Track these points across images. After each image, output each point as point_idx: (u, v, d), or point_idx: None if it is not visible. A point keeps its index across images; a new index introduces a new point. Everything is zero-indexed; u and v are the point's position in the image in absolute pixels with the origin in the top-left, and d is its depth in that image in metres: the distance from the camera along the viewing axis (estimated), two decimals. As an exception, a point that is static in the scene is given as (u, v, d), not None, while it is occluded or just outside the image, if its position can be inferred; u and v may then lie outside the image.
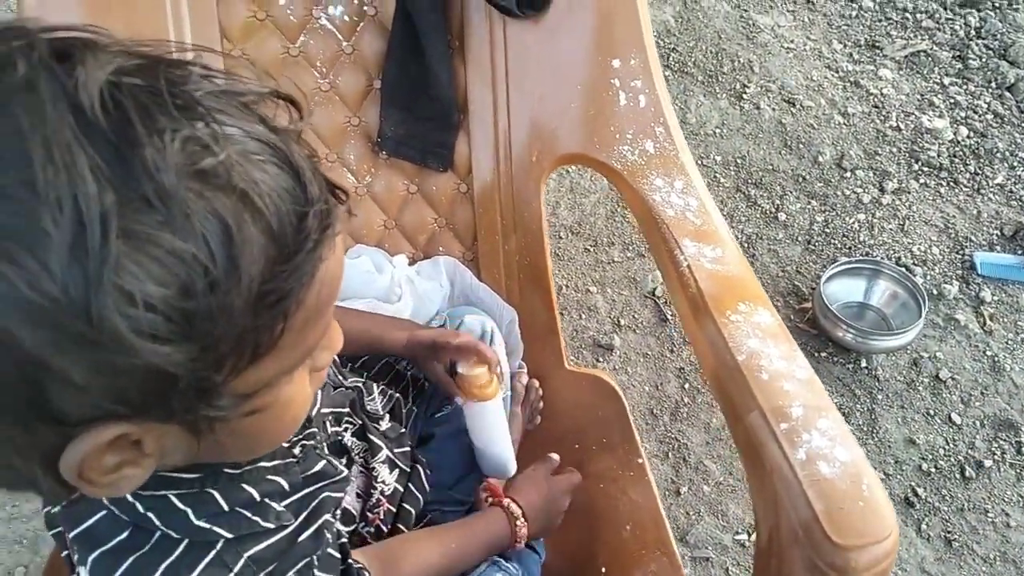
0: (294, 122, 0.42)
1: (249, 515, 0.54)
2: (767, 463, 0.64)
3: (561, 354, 1.02)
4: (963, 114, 1.95)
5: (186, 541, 0.52)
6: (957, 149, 1.89)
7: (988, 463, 1.42)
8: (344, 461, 0.70)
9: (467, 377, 0.77)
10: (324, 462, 0.63)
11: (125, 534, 0.52)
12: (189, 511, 0.51)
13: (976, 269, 1.68)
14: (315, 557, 0.61)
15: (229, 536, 0.53)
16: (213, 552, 0.53)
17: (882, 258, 1.69)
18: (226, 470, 0.53)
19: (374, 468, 0.75)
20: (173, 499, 0.51)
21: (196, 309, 0.35)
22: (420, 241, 1.04)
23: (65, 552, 0.68)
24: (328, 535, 0.64)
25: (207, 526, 0.52)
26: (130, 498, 0.51)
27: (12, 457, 0.39)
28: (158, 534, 0.52)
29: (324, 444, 0.67)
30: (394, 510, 0.79)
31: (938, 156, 1.88)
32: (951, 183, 1.84)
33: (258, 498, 0.55)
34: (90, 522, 0.53)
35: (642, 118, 0.93)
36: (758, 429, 0.66)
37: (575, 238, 1.79)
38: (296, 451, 0.61)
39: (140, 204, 0.34)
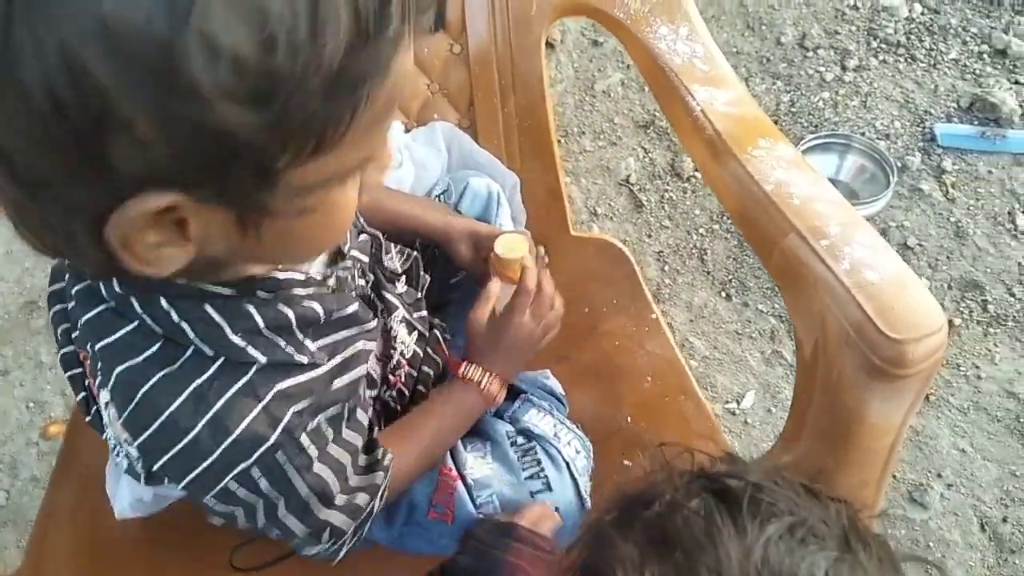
0: None
1: (283, 345, 0.52)
2: (810, 279, 0.64)
3: (566, 219, 1.00)
4: (917, -9, 1.97)
5: (219, 361, 0.50)
6: (912, 26, 1.91)
7: (957, 322, 1.48)
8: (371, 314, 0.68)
9: (503, 260, 0.76)
10: (357, 304, 0.60)
11: (156, 347, 0.49)
12: (225, 325, 0.49)
13: (937, 140, 1.71)
14: (346, 410, 0.59)
15: (263, 360, 0.51)
16: (245, 379, 0.50)
17: (849, 133, 1.72)
18: (260, 292, 0.51)
19: (391, 328, 0.73)
20: (209, 310, 0.49)
21: (276, 70, 0.35)
22: (412, 109, 1.00)
23: (83, 394, 0.64)
24: (362, 394, 0.62)
25: (242, 344, 0.50)
26: (165, 305, 0.48)
27: (62, 218, 0.38)
28: (191, 350, 0.49)
29: (355, 292, 0.65)
30: (415, 374, 0.78)
31: (895, 33, 1.89)
32: (909, 59, 1.86)
33: (294, 320, 0.52)
34: (118, 334, 0.50)
35: (643, -36, 0.90)
36: (797, 248, 0.66)
37: (545, 129, 1.76)
38: (331, 282, 0.58)
39: None
